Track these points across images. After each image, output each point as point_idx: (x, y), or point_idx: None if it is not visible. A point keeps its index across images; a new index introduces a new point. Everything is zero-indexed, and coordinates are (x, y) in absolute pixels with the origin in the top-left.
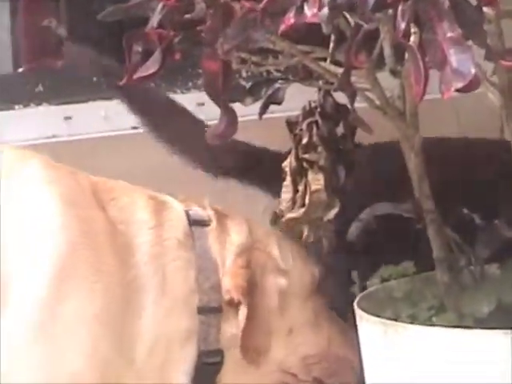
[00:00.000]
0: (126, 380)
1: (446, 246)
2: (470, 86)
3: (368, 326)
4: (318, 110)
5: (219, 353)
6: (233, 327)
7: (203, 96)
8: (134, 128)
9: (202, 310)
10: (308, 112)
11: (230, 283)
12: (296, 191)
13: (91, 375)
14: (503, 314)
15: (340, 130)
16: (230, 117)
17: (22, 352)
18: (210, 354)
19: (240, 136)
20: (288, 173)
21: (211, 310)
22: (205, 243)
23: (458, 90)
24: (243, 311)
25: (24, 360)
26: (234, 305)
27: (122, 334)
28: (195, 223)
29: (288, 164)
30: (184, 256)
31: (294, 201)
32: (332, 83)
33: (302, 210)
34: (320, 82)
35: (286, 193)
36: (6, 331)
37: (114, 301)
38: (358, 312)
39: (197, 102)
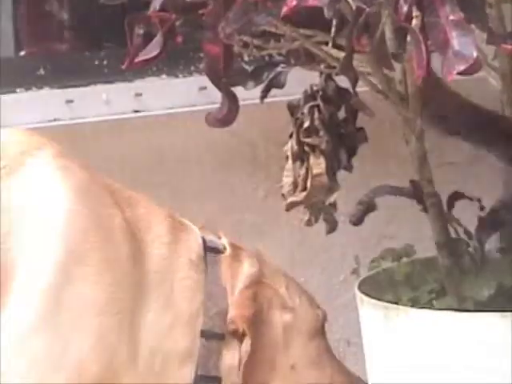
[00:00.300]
0: (128, 379)
1: (446, 230)
2: (472, 69)
3: (369, 310)
4: (320, 93)
5: (217, 380)
6: (233, 358)
7: (205, 80)
8: (136, 112)
9: (205, 335)
10: (309, 96)
11: (235, 313)
12: (297, 175)
13: (97, 364)
14: (503, 297)
15: (342, 114)
16: (232, 101)
17: (25, 342)
18: (207, 380)
19: (241, 120)
20: (289, 157)
21: (214, 336)
22: (217, 270)
23: (459, 73)
24: (247, 342)
25: (27, 350)
26: (237, 335)
27: (128, 330)
28: (210, 249)
29: (289, 148)
30: (194, 277)
31: (295, 184)
32: (334, 67)
33: (304, 193)
34: (322, 66)
35: (288, 176)
36: (8, 321)
37: (122, 294)
38: (359, 295)
39: (199, 86)
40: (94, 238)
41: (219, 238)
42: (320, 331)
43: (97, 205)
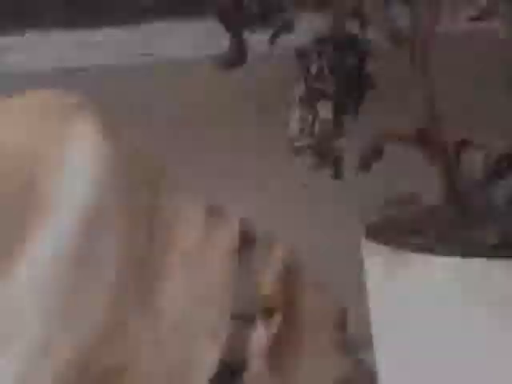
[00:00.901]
0: (144, 338)
1: (452, 179)
2: (482, 16)
3: (373, 257)
4: (329, 39)
5: (243, 364)
6: (260, 342)
7: (214, 24)
8: (143, 55)
9: (235, 317)
10: (318, 41)
11: (269, 292)
12: (305, 120)
13: (109, 315)
14: (508, 245)
15: (350, 59)
16: (241, 44)
17: (40, 294)
18: (233, 362)
19: (248, 64)
20: (296, 102)
21: (244, 320)
22: (251, 259)
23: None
24: (277, 318)
25: (43, 302)
26: (269, 314)
27: (142, 297)
28: (246, 239)
29: (296, 93)
30: (228, 264)
31: (301, 130)
32: (343, 12)
33: (311, 138)
34: (331, 11)
35: (294, 121)
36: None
37: (137, 262)
38: (364, 242)
39: (207, 30)
40: (119, 207)
41: (253, 229)
42: (342, 325)
43: (129, 175)
